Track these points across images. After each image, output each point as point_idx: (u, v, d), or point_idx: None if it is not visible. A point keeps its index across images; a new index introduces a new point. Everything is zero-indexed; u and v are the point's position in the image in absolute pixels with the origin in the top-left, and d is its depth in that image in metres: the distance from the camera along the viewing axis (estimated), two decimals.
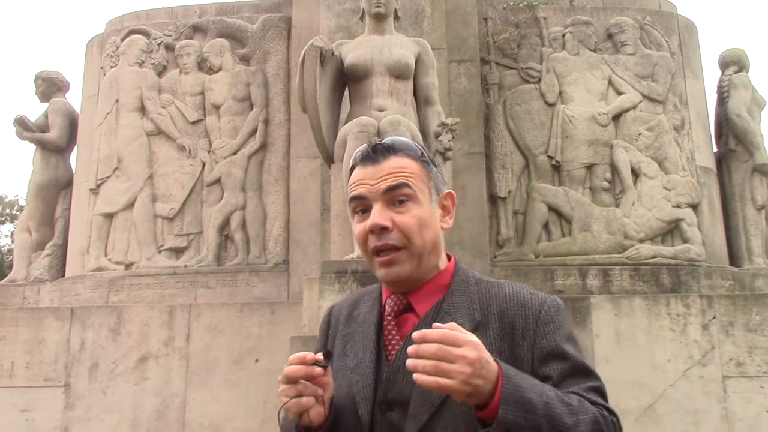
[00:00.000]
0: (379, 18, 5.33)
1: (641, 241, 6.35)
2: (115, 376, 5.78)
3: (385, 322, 1.56)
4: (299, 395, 1.39)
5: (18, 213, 28.61)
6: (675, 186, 6.49)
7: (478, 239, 6.29)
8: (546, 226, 6.47)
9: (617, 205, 6.48)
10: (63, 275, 7.22)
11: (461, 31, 6.71)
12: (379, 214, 1.48)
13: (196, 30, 7.13)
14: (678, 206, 6.45)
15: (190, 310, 5.92)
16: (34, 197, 7.69)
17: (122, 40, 7.18)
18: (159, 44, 7.10)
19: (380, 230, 1.48)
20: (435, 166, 1.60)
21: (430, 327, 1.33)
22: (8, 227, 29.74)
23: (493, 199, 6.49)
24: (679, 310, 5.54)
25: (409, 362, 1.28)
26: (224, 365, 5.76)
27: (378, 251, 1.50)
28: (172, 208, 6.72)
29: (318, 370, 1.41)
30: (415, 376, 1.27)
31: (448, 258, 1.62)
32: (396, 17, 5.54)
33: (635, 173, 6.53)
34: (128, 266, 6.66)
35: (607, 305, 5.58)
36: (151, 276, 6.50)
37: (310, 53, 4.90)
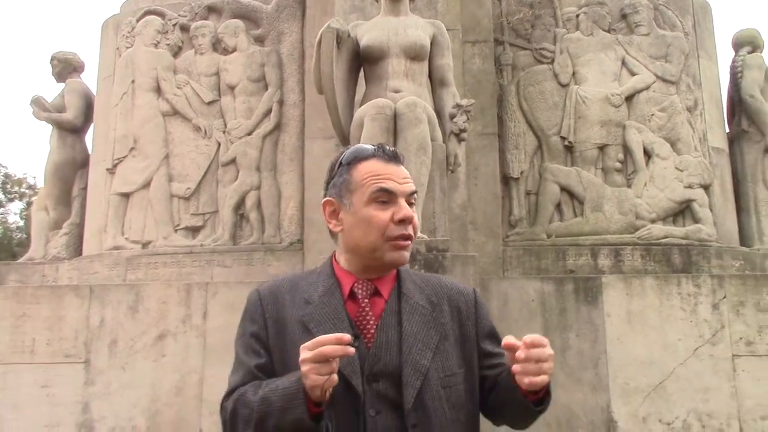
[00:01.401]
0: None
1: (653, 221, 6.40)
2: (133, 353, 5.89)
3: (362, 305, 1.78)
4: (331, 372, 1.53)
5: (26, 191, 28.83)
6: (687, 167, 6.52)
7: (491, 219, 6.35)
8: (558, 206, 6.51)
9: (629, 186, 6.51)
10: (80, 254, 7.33)
11: (475, 11, 6.72)
12: (409, 209, 1.77)
13: (211, 11, 7.15)
14: (690, 187, 6.48)
15: (206, 289, 6.01)
16: (51, 177, 7.80)
17: (138, 20, 7.22)
18: (174, 25, 7.13)
19: (409, 222, 1.76)
20: None
21: (398, 308, 1.78)
22: (17, 205, 29.95)
23: (506, 180, 6.54)
24: (690, 290, 5.60)
25: (516, 367, 1.61)
26: None
27: (401, 238, 1.76)
28: (188, 188, 6.79)
29: (352, 350, 1.53)
30: (526, 379, 1.60)
31: None
32: None
33: (648, 154, 6.55)
34: (145, 245, 6.75)
35: (618, 285, 5.65)
36: (168, 255, 6.60)
37: (327, 35, 4.93)
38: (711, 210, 6.54)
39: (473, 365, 1.83)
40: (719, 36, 7.08)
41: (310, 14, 6.96)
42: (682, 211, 6.50)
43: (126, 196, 6.89)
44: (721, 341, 5.50)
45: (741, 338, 5.49)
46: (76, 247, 7.48)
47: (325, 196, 1.87)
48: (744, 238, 7.06)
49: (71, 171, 7.81)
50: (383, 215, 1.74)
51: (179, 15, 7.15)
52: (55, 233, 7.60)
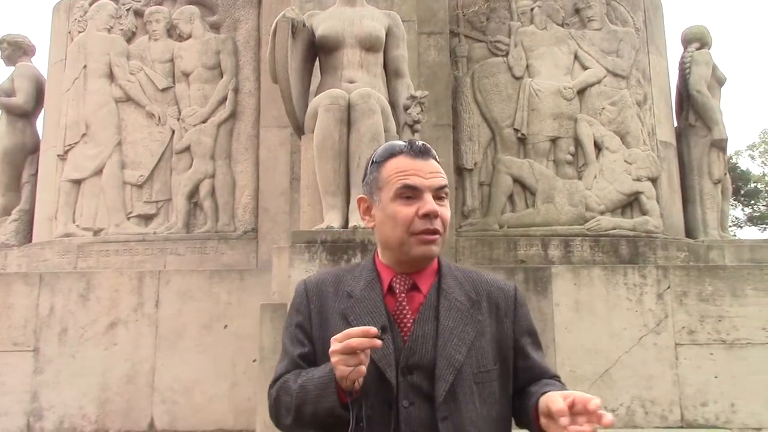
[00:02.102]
0: None
1: (602, 213, 6.54)
2: (84, 341, 5.84)
3: (399, 299, 1.82)
4: (359, 364, 1.59)
5: None
6: (636, 160, 6.67)
7: None
8: (511, 197, 6.62)
9: (580, 178, 6.65)
10: (30, 241, 7.22)
11: (431, 3, 6.77)
12: (434, 204, 1.77)
13: None
14: (638, 179, 6.64)
15: (159, 277, 5.98)
16: (0, 162, 7.64)
17: (90, 5, 7.10)
18: (128, 10, 7.03)
19: (435, 217, 1.76)
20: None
21: (437, 304, 1.80)
22: None
23: (460, 171, 6.62)
24: (636, 281, 5.75)
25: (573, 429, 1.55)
26: (193, 331, 5.85)
27: (426, 232, 1.77)
28: (141, 175, 6.73)
29: (379, 342, 1.59)
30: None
31: None
32: None
33: (598, 147, 6.69)
34: (96, 232, 6.68)
35: (567, 275, 5.77)
36: (120, 242, 6.54)
37: (282, 24, 4.93)
38: (658, 202, 6.71)
39: (508, 362, 1.86)
40: (670, 32, 7.24)
41: (267, 2, 6.94)
42: (631, 203, 6.66)
43: (77, 182, 6.79)
44: (665, 330, 5.67)
45: (683, 327, 5.67)
46: (26, 234, 7.36)
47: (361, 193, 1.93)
48: (690, 230, 7.27)
49: (21, 156, 7.66)
50: (408, 210, 1.77)
51: (133, 0, 7.05)
52: (4, 220, 7.45)
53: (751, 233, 30.39)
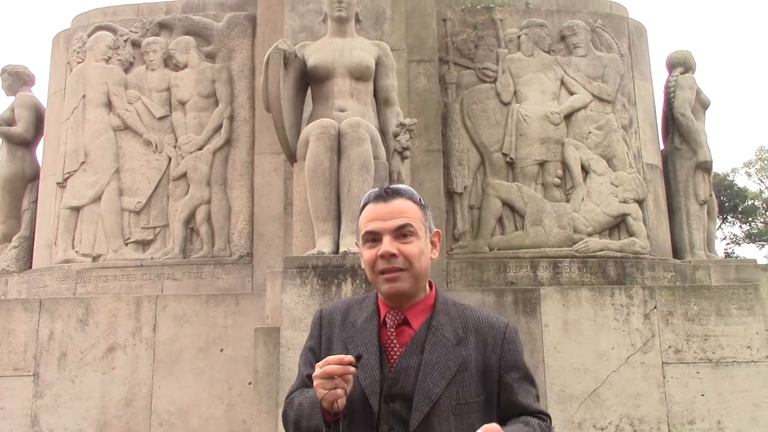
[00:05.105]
0: (340, 21, 5.58)
1: (590, 234, 6.69)
2: (83, 366, 5.96)
3: (388, 333, 1.99)
4: (335, 388, 1.78)
5: None
6: (622, 182, 6.83)
7: None
8: (500, 220, 6.77)
9: (567, 201, 6.80)
10: (30, 267, 7.35)
11: (421, 32, 6.96)
12: (389, 245, 1.94)
13: (163, 27, 7.27)
14: (625, 201, 6.79)
15: (156, 302, 6.11)
16: (0, 190, 7.78)
17: (89, 36, 7.29)
18: (125, 41, 7.22)
19: (390, 256, 1.93)
20: (428, 210, 2.09)
21: (424, 339, 1.95)
22: None
23: (450, 195, 6.77)
24: (623, 301, 5.87)
25: None
26: (190, 354, 5.97)
27: (385, 271, 1.94)
28: (139, 202, 6.88)
29: (353, 369, 1.79)
30: None
31: (430, 284, 2.08)
32: (357, 20, 5.79)
33: (585, 170, 6.85)
34: (95, 258, 6.81)
35: (555, 296, 5.89)
36: (118, 268, 6.67)
37: (275, 56, 5.11)
38: (645, 224, 6.86)
39: (492, 396, 1.97)
40: (655, 56, 7.42)
41: (261, 32, 7.13)
42: (618, 225, 6.81)
43: (76, 209, 6.94)
44: (652, 349, 5.78)
45: (670, 346, 5.78)
46: (26, 261, 7.49)
47: None
48: (677, 251, 7.41)
49: (21, 184, 7.82)
50: (371, 253, 1.96)
51: (130, 31, 7.24)
52: (5, 247, 7.59)
53: (749, 250, 30.46)
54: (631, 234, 6.76)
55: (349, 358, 1.79)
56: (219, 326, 6.01)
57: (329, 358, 1.80)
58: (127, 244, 6.83)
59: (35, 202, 7.62)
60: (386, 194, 2.01)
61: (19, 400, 5.91)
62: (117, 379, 5.94)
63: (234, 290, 6.44)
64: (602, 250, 6.64)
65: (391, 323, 2.00)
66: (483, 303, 5.87)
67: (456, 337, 1.96)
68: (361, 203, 2.06)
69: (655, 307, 5.85)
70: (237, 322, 5.97)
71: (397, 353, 1.95)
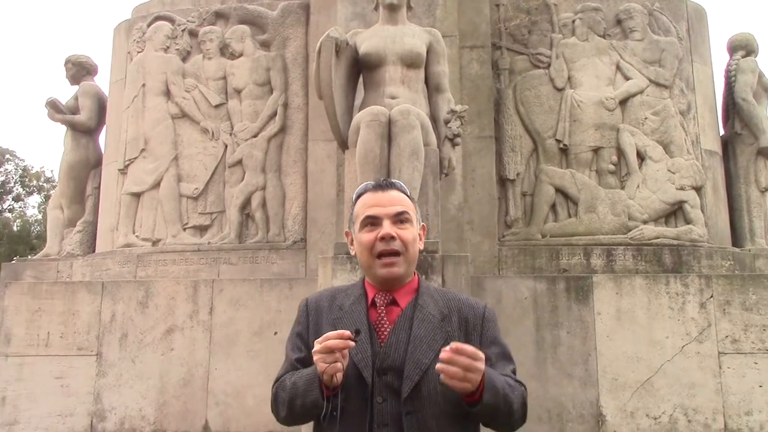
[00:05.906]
0: (392, 9, 5.61)
1: (645, 222, 6.58)
2: (143, 346, 6.16)
3: (378, 311, 2.14)
4: (335, 362, 1.90)
5: (45, 185, 29.22)
6: (679, 169, 6.69)
7: (488, 220, 6.57)
8: (553, 207, 6.70)
9: (622, 188, 6.69)
10: (93, 251, 7.62)
11: (473, 17, 6.92)
12: (389, 228, 2.11)
13: (219, 16, 7.40)
14: (681, 188, 6.66)
15: (213, 285, 6.27)
16: (65, 176, 8.08)
17: (148, 26, 7.47)
18: (183, 30, 7.38)
19: (390, 238, 2.10)
20: (417, 204, 2.29)
21: (412, 316, 2.11)
22: (35, 198, 30.34)
23: (503, 181, 6.74)
24: (678, 289, 5.79)
25: (439, 366, 1.85)
26: (245, 337, 6.11)
27: (382, 255, 2.10)
28: (196, 188, 7.05)
29: (352, 344, 1.91)
30: (442, 376, 1.85)
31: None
32: (409, 7, 5.81)
33: (641, 156, 6.73)
34: (155, 243, 7.02)
35: (608, 284, 5.85)
36: (176, 252, 6.86)
37: (326, 44, 5.16)
38: (702, 211, 6.71)
39: None
40: (716, 40, 7.23)
41: (314, 20, 7.20)
42: (674, 212, 6.68)
43: (137, 195, 7.16)
44: (708, 339, 5.69)
45: (727, 336, 5.68)
46: (90, 245, 7.76)
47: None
48: (736, 239, 7.23)
49: (85, 171, 8.09)
50: (370, 236, 2.12)
51: (188, 20, 7.40)
52: (70, 231, 7.88)
53: None
54: (688, 221, 6.62)
55: (348, 333, 1.90)
56: (273, 310, 6.14)
57: (329, 333, 1.92)
58: (185, 229, 7.02)
59: (98, 188, 7.87)
60: (384, 185, 2.21)
61: (83, 378, 6.15)
62: (175, 360, 6.12)
63: (288, 275, 6.56)
64: (658, 238, 6.52)
65: (381, 303, 2.15)
66: (535, 290, 5.87)
67: (441, 314, 2.12)
68: (356, 194, 2.23)
69: (711, 296, 5.75)
70: (290, 306, 6.08)
71: (387, 329, 2.10)
